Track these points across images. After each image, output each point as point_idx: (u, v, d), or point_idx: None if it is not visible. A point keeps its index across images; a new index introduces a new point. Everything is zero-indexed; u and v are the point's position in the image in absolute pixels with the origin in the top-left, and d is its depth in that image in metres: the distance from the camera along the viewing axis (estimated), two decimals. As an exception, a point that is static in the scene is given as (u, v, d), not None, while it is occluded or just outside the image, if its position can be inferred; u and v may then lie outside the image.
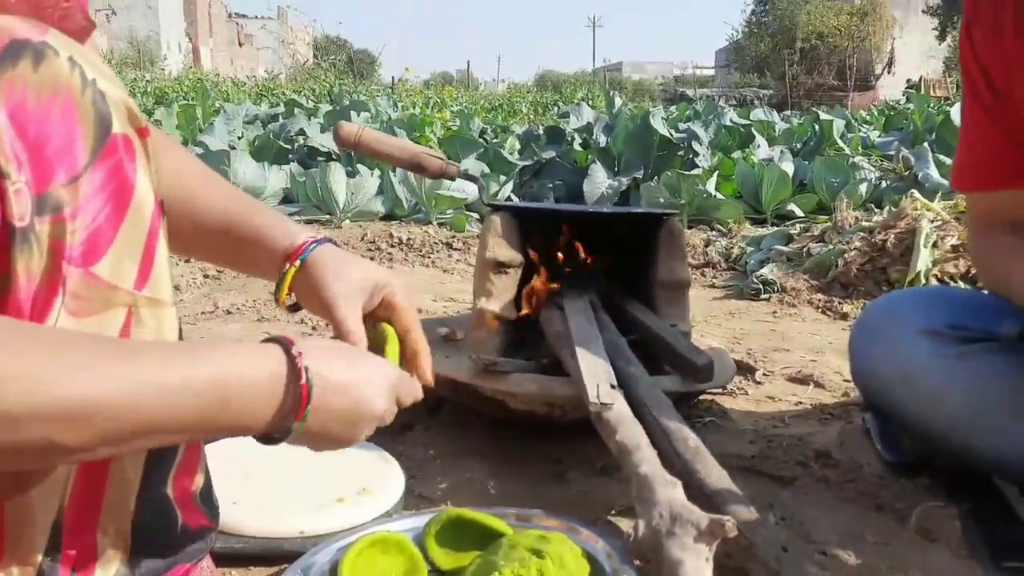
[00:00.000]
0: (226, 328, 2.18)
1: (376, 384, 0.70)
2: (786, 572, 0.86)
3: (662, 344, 1.33)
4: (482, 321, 1.37)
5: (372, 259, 3.01)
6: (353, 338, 0.78)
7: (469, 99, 13.91)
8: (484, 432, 1.37)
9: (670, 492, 0.90)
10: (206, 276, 2.75)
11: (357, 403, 0.68)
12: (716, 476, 0.98)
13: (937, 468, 1.22)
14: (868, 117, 7.68)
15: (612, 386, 1.11)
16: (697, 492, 0.97)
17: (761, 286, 2.48)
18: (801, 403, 1.62)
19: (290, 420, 0.64)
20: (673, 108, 8.11)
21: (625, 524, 1.08)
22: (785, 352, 1.97)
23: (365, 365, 0.71)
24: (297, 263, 0.81)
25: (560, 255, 1.49)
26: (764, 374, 1.80)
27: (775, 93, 27.69)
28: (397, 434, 1.40)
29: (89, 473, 0.67)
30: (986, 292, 1.20)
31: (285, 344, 0.64)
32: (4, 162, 0.54)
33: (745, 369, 1.81)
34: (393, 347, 0.79)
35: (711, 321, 2.28)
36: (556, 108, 13.45)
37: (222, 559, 0.95)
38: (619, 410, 1.06)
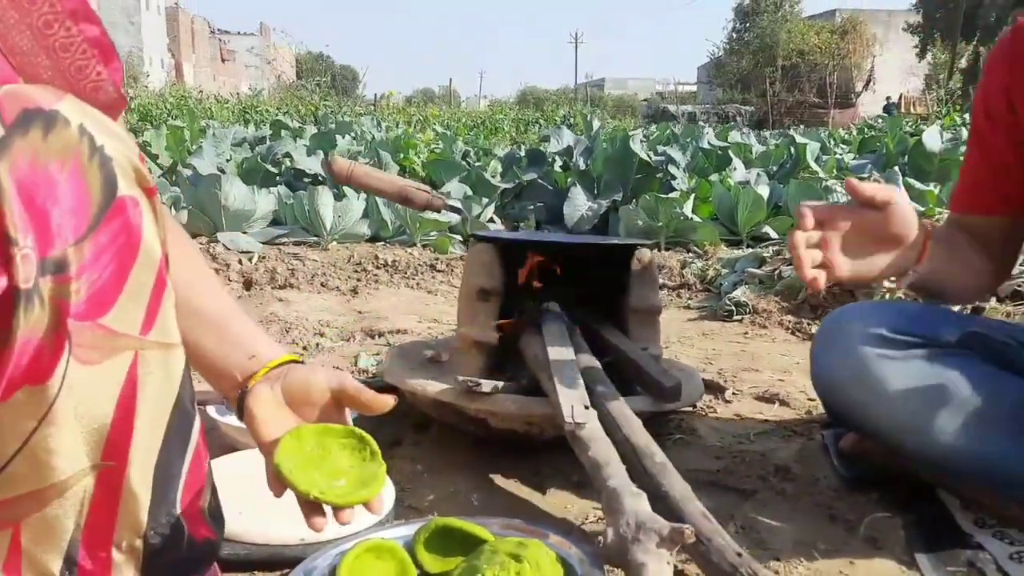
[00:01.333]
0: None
1: None
2: (741, 573, 0.95)
3: (634, 367, 1.43)
4: (465, 345, 1.46)
5: (359, 281, 3.10)
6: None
7: (451, 117, 14.06)
8: (468, 448, 1.46)
9: (636, 503, 0.99)
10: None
11: None
12: (679, 489, 1.08)
13: (887, 482, 1.32)
14: (847, 137, 7.88)
15: (586, 406, 1.21)
16: (662, 504, 1.07)
17: (734, 308, 2.59)
18: (767, 421, 1.72)
19: None
20: (654, 127, 8.27)
21: (597, 532, 1.18)
22: (754, 372, 2.07)
23: None
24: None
25: (539, 283, 1.59)
26: (733, 393, 1.90)
27: (756, 110, 28.02)
28: (387, 450, 1.48)
29: (104, 490, 0.74)
30: (933, 305, 1.32)
31: None
32: (12, 230, 0.58)
33: (715, 388, 1.91)
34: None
35: (685, 341, 2.38)
36: (538, 126, 13.61)
37: (230, 565, 1.03)
38: (592, 429, 1.16)
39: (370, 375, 1.98)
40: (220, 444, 1.38)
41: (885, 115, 14.72)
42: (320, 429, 0.86)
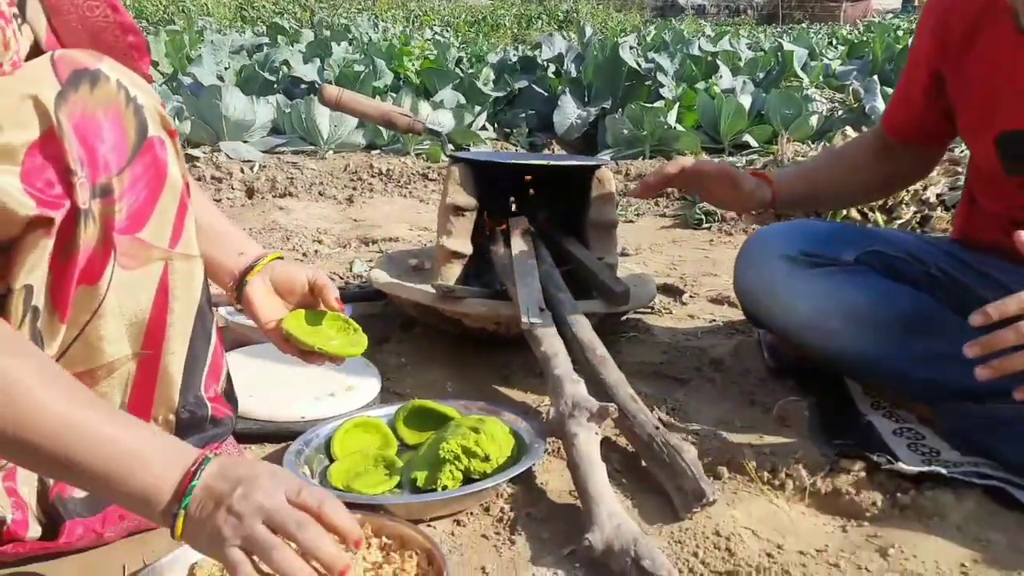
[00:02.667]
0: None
1: (271, 480, 0.74)
2: (657, 441, 1.18)
3: (589, 273, 1.63)
4: (444, 255, 1.66)
5: (354, 190, 3.28)
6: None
7: (451, 12, 13.80)
8: (446, 345, 1.69)
9: (574, 388, 1.22)
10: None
11: (252, 487, 0.72)
12: (615, 377, 1.30)
13: (804, 373, 1.53)
14: (851, 36, 7.81)
15: (541, 308, 1.42)
16: (600, 388, 1.29)
17: (703, 216, 2.77)
18: (715, 320, 1.93)
19: (173, 514, 0.71)
20: (652, 28, 8.21)
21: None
22: (713, 277, 2.28)
23: (265, 467, 0.78)
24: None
25: (511, 198, 1.78)
26: (690, 296, 2.11)
27: (767, 3, 27.19)
28: (376, 346, 1.71)
29: (144, 373, 0.96)
30: (839, 224, 1.54)
31: (199, 457, 0.74)
32: (73, 164, 0.79)
33: (674, 292, 2.13)
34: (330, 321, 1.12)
35: (655, 249, 2.58)
36: (540, 21, 13.36)
37: (242, 438, 1.27)
38: (545, 328, 1.37)
39: (363, 280, 2.19)
40: (232, 339, 1.60)
41: (901, 10, 14.34)
42: (314, 312, 1.12)
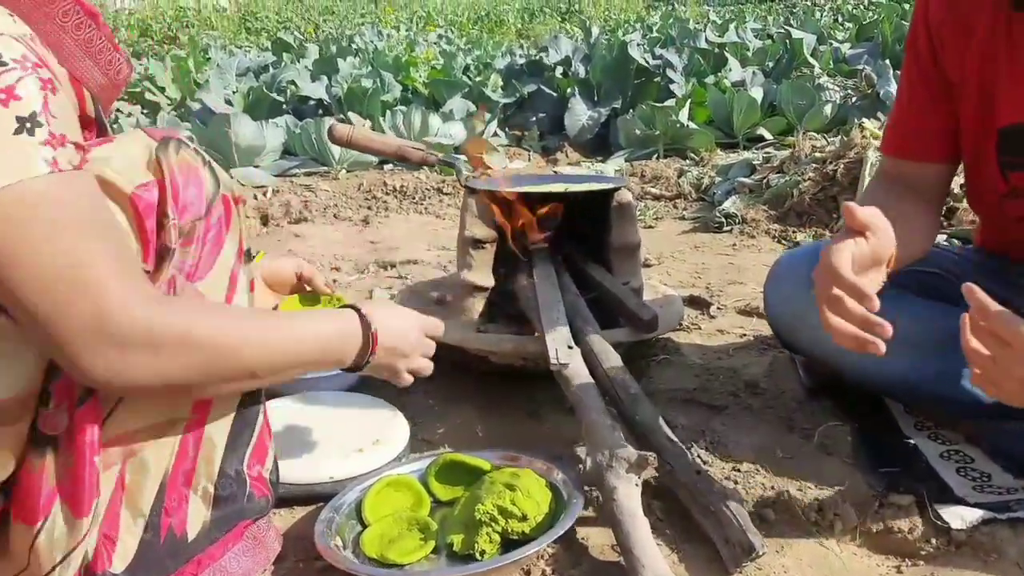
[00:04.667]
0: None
1: (412, 327, 1.09)
2: (701, 487, 1.14)
3: (616, 301, 1.59)
4: (466, 290, 1.63)
5: (370, 209, 3.25)
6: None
7: (453, 10, 13.73)
8: (474, 381, 1.65)
9: (610, 435, 1.18)
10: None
11: (404, 338, 1.06)
12: (649, 416, 1.26)
13: (842, 392, 1.49)
14: (854, 10, 7.68)
15: (569, 346, 1.38)
16: (635, 431, 1.26)
17: (724, 219, 2.72)
18: (746, 335, 1.89)
19: (366, 356, 1.00)
20: (657, 18, 8.12)
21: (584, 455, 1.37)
22: (739, 285, 2.23)
23: (404, 316, 1.10)
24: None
25: (532, 224, 1.73)
26: (718, 308, 2.06)
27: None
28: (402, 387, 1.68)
29: (191, 439, 0.93)
30: None
31: (357, 309, 1.00)
32: (170, 208, 0.85)
33: (701, 304, 2.08)
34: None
35: (677, 256, 2.53)
36: (543, 15, 13.28)
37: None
38: (574, 367, 1.34)
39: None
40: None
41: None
42: (309, 296, 1.41)
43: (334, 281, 2.47)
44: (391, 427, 1.42)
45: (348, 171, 3.62)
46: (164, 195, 0.85)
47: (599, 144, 4.10)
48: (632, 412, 1.28)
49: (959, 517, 1.13)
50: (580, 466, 1.17)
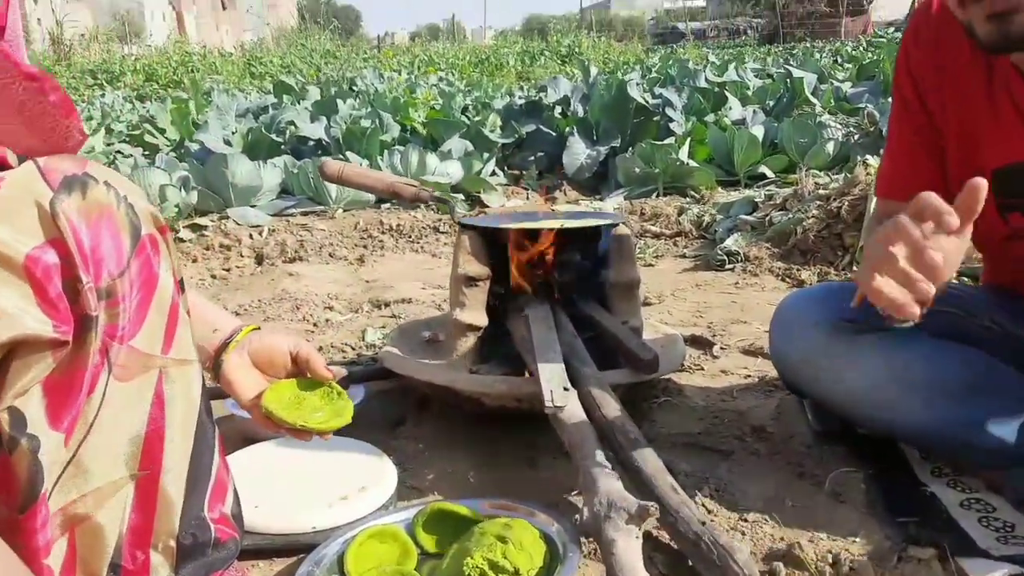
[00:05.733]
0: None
1: None
2: (706, 539, 1.07)
3: (615, 340, 1.52)
4: (459, 329, 1.57)
5: (365, 248, 3.20)
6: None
7: (455, 55, 13.90)
8: (466, 424, 1.58)
9: (609, 483, 1.10)
10: (213, 276, 2.94)
11: None
12: (651, 464, 1.18)
13: (854, 437, 1.42)
14: (855, 52, 7.73)
15: (565, 388, 1.31)
16: (637, 478, 1.18)
17: (726, 257, 2.66)
18: (750, 376, 1.82)
19: None
20: (657, 59, 8.17)
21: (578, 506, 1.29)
22: (743, 324, 2.16)
23: None
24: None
25: (527, 262, 1.68)
26: (721, 348, 1.99)
27: (767, 23, 27.29)
28: (391, 430, 1.61)
29: (143, 497, 0.87)
30: None
31: None
32: (80, 271, 0.73)
33: (703, 344, 2.01)
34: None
35: (679, 295, 2.47)
36: (543, 57, 13.43)
37: (248, 554, 1.16)
38: (571, 410, 1.27)
39: (378, 349, 2.09)
40: (238, 433, 1.51)
41: (904, 23, 14.26)
42: (294, 381, 1.07)
43: (326, 321, 2.41)
44: (378, 473, 1.35)
45: (345, 210, 3.58)
46: (69, 256, 0.73)
47: (598, 182, 4.08)
48: (632, 458, 1.21)
49: (983, 571, 1.05)
50: (577, 516, 1.10)
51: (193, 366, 0.90)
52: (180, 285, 0.88)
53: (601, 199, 3.68)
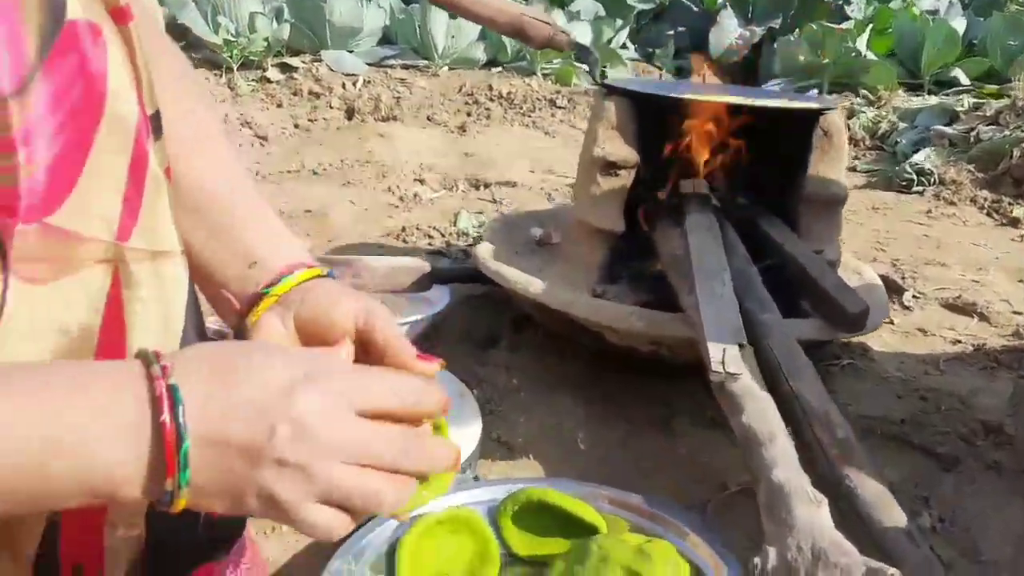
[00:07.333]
0: (310, 191, 2.02)
1: (325, 402, 0.42)
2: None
3: (804, 278, 1.08)
4: (584, 233, 1.15)
5: (468, 115, 2.77)
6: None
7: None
8: (578, 364, 1.18)
9: (813, 515, 0.69)
10: (296, 126, 2.58)
11: (273, 428, 0.41)
12: (872, 489, 0.76)
13: None
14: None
15: (740, 345, 0.89)
16: (845, 505, 0.77)
17: (915, 176, 2.12)
18: (960, 342, 1.36)
19: (161, 481, 0.40)
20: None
21: (744, 508, 0.89)
22: (940, 267, 1.67)
23: (282, 371, 0.42)
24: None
25: (687, 154, 1.22)
26: (914, 296, 1.52)
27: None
28: (478, 351, 1.23)
29: None
30: None
31: (149, 358, 0.41)
32: None
33: (892, 289, 1.53)
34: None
35: (850, 218, 1.95)
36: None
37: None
38: (747, 383, 0.84)
39: (470, 240, 1.69)
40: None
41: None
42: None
43: (414, 196, 2.02)
44: (455, 416, 0.97)
45: (450, 68, 3.14)
46: None
47: (746, 71, 3.48)
48: (837, 469, 0.79)
49: None
50: (755, 562, 0.70)
51: (172, 261, 0.52)
52: (150, 120, 0.50)
53: (750, 90, 3.12)
